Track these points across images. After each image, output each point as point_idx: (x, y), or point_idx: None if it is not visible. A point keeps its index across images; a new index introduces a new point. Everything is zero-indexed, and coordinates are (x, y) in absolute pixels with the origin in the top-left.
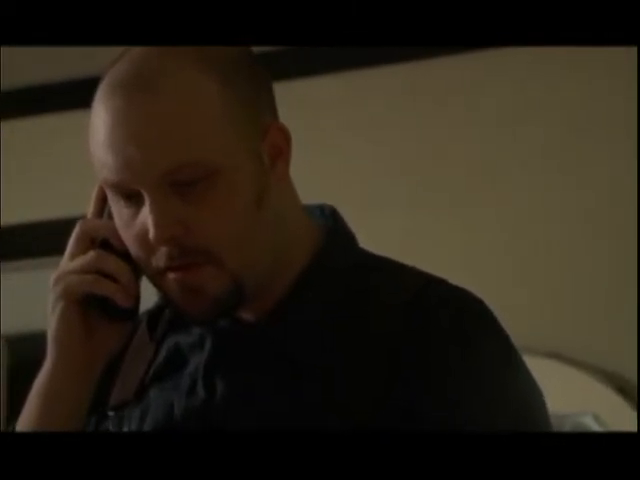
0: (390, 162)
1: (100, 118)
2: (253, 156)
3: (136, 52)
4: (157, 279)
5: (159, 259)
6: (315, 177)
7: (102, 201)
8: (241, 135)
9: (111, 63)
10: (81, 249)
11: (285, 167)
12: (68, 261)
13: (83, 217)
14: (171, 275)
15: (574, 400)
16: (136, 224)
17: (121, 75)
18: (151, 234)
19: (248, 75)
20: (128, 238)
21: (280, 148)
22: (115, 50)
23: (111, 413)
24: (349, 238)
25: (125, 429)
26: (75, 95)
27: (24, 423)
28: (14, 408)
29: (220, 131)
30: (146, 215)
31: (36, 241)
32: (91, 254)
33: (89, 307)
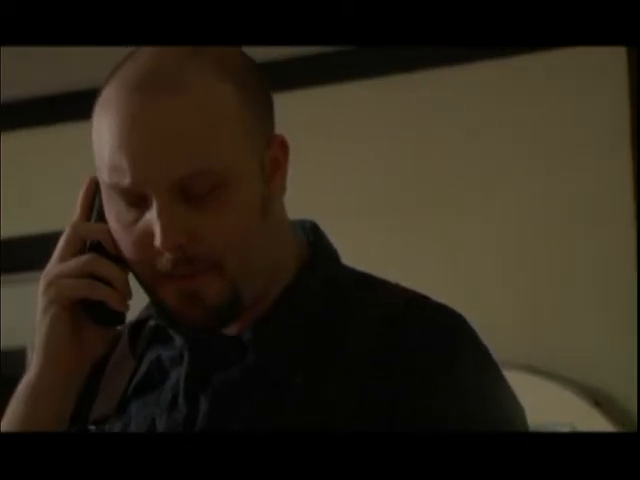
0: (373, 171)
1: (112, 120)
2: (259, 166)
3: (150, 53)
4: (153, 284)
5: (163, 265)
6: (297, 187)
7: (90, 201)
8: (252, 145)
9: (118, 65)
10: (72, 252)
11: (283, 180)
12: (57, 263)
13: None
14: (171, 281)
15: (551, 413)
16: (137, 228)
17: (136, 76)
18: (158, 240)
19: (258, 85)
20: (126, 242)
21: (279, 161)
22: (116, 51)
23: (92, 427)
24: (331, 254)
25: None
26: (77, 107)
27: (7, 426)
28: None
29: (235, 140)
30: (151, 220)
31: (33, 254)
32: (84, 258)
33: (79, 312)
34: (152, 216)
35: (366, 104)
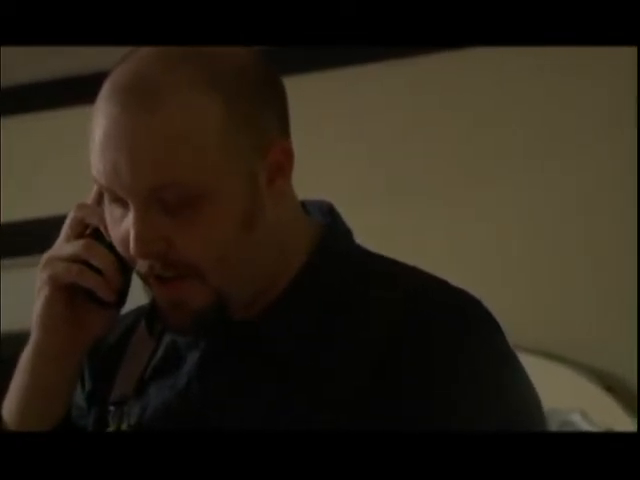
0: (372, 160)
1: (98, 121)
2: (248, 178)
3: (141, 57)
4: (144, 280)
5: (140, 267)
6: (295, 173)
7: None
8: (237, 158)
9: (119, 61)
10: (74, 233)
11: (284, 183)
12: (61, 243)
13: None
14: (155, 282)
15: (562, 397)
16: (122, 226)
17: (122, 81)
18: (131, 248)
19: (256, 92)
20: (114, 236)
21: (281, 164)
22: (114, 50)
23: (112, 407)
24: (346, 235)
25: (124, 425)
26: (78, 91)
27: (9, 401)
28: None
29: (215, 155)
30: (130, 224)
31: (32, 239)
32: (80, 243)
33: (75, 293)
34: (130, 220)
35: (370, 92)
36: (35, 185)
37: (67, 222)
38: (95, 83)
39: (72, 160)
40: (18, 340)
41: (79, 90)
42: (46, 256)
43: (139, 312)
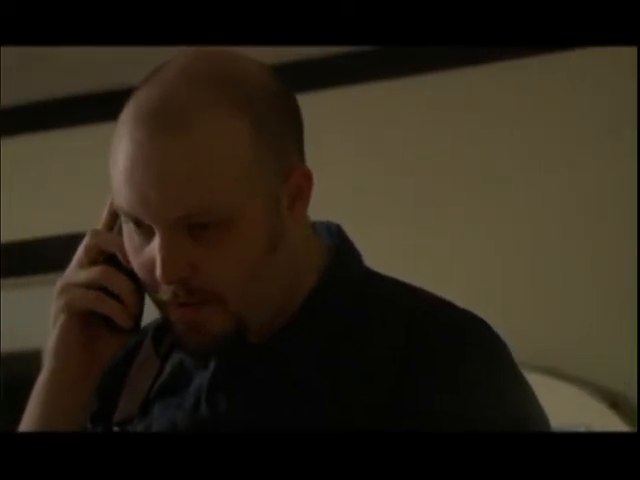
0: (380, 173)
1: (121, 146)
2: (272, 201)
3: (166, 80)
4: (161, 306)
5: (164, 294)
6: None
7: (115, 214)
8: (263, 182)
9: (141, 83)
10: (89, 259)
11: (303, 207)
12: (75, 270)
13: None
14: (175, 308)
15: (567, 414)
16: (145, 253)
17: (147, 105)
18: (158, 273)
19: (280, 115)
20: (135, 263)
21: (301, 189)
22: (114, 50)
23: (116, 428)
24: (355, 257)
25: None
26: (79, 111)
27: (24, 428)
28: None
29: (243, 180)
30: (155, 250)
31: (36, 258)
32: (98, 269)
33: (90, 319)
34: (155, 246)
35: (376, 106)
36: (34, 205)
37: (81, 248)
38: (95, 104)
39: (71, 181)
40: (17, 360)
41: (80, 110)
42: (61, 283)
43: (142, 332)
